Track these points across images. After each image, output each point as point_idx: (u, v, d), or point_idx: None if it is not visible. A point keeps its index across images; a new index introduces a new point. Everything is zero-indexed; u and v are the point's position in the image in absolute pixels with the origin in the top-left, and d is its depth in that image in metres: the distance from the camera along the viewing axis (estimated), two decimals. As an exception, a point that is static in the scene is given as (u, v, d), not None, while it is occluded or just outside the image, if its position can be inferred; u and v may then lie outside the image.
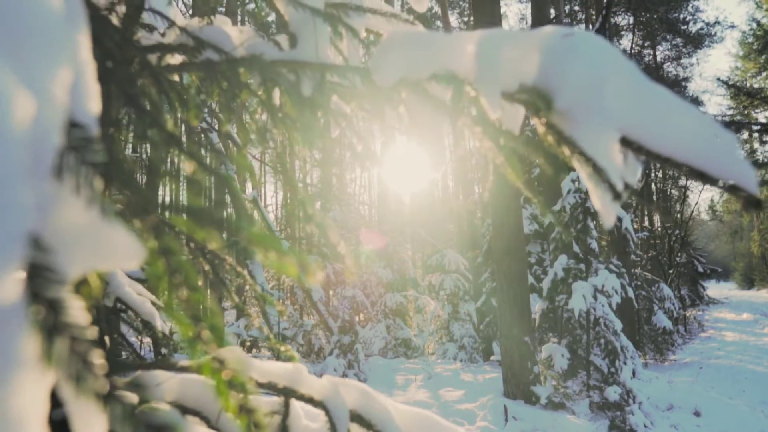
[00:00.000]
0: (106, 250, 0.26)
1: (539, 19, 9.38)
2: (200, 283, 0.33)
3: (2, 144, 0.17)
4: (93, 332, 0.24)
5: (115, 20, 0.64)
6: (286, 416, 0.69)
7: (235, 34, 0.70)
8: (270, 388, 0.66)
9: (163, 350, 1.30)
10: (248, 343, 8.56)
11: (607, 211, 0.43)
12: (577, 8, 21.47)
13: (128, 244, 0.27)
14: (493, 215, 6.57)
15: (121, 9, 0.65)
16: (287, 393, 0.67)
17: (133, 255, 0.27)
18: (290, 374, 0.64)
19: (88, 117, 0.27)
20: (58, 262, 0.21)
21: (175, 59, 0.72)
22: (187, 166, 0.33)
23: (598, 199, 0.44)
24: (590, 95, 0.45)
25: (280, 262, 0.27)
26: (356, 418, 0.66)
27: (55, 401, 0.33)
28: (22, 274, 0.18)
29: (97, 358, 0.22)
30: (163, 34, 0.75)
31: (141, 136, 0.34)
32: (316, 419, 0.73)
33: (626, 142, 0.48)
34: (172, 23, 0.69)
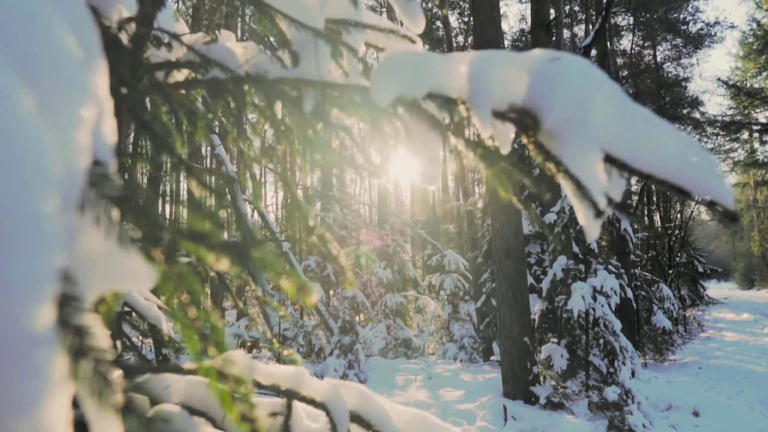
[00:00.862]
0: (123, 274, 0.29)
1: (539, 19, 9.39)
2: (207, 290, 0.36)
3: (42, 190, 0.19)
4: (111, 348, 0.26)
5: (124, 38, 0.67)
6: (289, 417, 0.72)
7: (239, 51, 0.72)
8: (273, 389, 0.69)
9: (164, 351, 1.33)
10: (249, 344, 8.59)
11: (591, 226, 0.46)
12: (577, 8, 21.48)
13: (142, 269, 0.30)
14: (492, 216, 6.59)
15: (131, 27, 0.67)
16: (290, 395, 0.69)
17: (146, 278, 0.30)
18: (293, 376, 0.67)
19: (106, 153, 0.30)
20: (82, 290, 0.23)
21: (182, 74, 0.75)
22: (195, 189, 0.36)
23: (582, 215, 0.46)
24: (575, 116, 0.47)
25: (284, 284, 0.29)
26: (356, 418, 0.68)
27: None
28: (53, 304, 0.20)
29: (115, 373, 0.24)
30: (169, 46, 0.77)
31: (154, 161, 0.37)
32: (317, 420, 0.75)
33: (610, 160, 0.50)
34: (178, 39, 0.71)
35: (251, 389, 0.37)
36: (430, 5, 21.32)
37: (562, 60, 0.49)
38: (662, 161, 0.50)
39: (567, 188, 0.48)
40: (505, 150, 0.56)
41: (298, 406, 0.75)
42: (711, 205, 0.50)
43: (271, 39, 0.66)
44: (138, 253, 0.29)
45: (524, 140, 0.51)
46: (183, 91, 0.62)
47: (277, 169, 0.69)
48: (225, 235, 0.35)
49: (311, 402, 0.71)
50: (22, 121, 0.20)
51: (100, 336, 0.24)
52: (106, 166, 0.29)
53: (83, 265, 0.26)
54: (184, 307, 0.29)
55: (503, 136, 0.55)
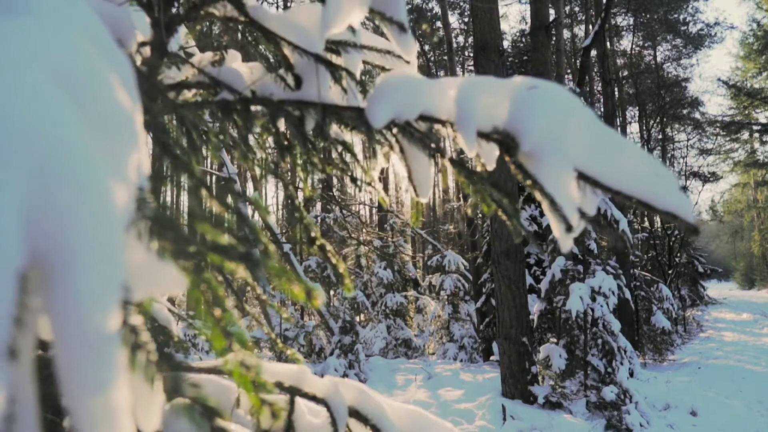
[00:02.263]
0: (160, 281, 0.35)
1: (538, 21, 9.44)
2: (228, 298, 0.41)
3: (117, 219, 0.25)
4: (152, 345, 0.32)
5: (138, 60, 0.73)
6: (292, 412, 0.77)
7: (245, 72, 0.78)
8: (277, 386, 0.74)
9: (167, 351, 1.39)
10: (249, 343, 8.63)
11: (563, 239, 0.51)
12: (577, 9, 21.51)
13: (174, 277, 0.36)
14: (491, 217, 6.65)
15: (145, 51, 0.73)
16: (293, 391, 0.75)
17: (178, 285, 0.36)
18: (295, 374, 0.73)
19: (143, 178, 0.36)
20: (134, 296, 0.29)
21: (190, 93, 0.81)
22: (215, 207, 0.41)
23: (556, 229, 0.52)
24: (551, 139, 0.53)
25: (293, 290, 0.35)
26: (354, 413, 0.74)
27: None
28: (120, 310, 0.26)
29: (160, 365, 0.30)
30: (178, 66, 0.83)
31: (176, 182, 0.42)
32: (318, 415, 0.81)
33: (583, 177, 0.56)
34: (189, 62, 0.77)
35: (267, 381, 0.43)
36: (431, 5, 21.36)
37: (539, 88, 0.55)
38: (630, 179, 0.55)
39: (543, 204, 0.53)
40: (490, 166, 0.62)
41: (300, 402, 0.81)
42: (673, 217, 0.56)
43: (270, 57, 0.72)
44: (171, 263, 0.35)
45: (506, 159, 0.57)
46: (196, 111, 0.68)
47: (284, 180, 0.74)
48: (227, 237, 0.41)
49: (313, 398, 0.77)
50: (97, 166, 0.25)
51: (146, 334, 0.30)
52: (144, 190, 0.35)
53: (130, 275, 0.32)
54: (210, 309, 0.35)
55: (488, 154, 0.61)
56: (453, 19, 20.96)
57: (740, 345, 12.67)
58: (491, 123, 0.58)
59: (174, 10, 0.69)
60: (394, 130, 0.65)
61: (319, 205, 13.85)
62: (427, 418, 0.86)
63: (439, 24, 20.31)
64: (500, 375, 6.45)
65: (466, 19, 22.45)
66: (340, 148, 0.80)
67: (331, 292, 11.84)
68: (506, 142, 0.56)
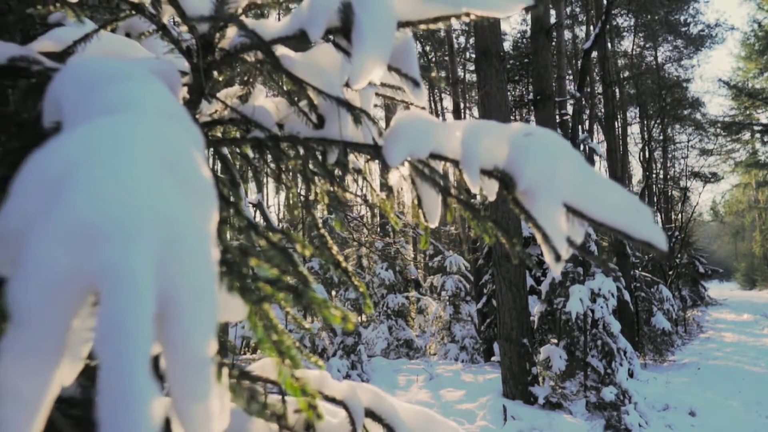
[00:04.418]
0: (229, 310, 0.44)
1: (539, 24, 9.52)
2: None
3: (212, 274, 0.34)
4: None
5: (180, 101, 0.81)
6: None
7: (271, 107, 0.87)
8: (302, 390, 0.83)
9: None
10: (254, 345, 8.74)
11: (554, 266, 0.60)
12: (578, 10, 21.56)
13: (239, 307, 0.44)
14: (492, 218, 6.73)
15: (184, 91, 0.82)
16: (312, 405, 0.84)
17: (241, 313, 0.45)
18: (318, 379, 0.82)
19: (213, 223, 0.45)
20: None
21: (219, 129, 0.89)
22: (261, 244, 0.50)
23: (547, 257, 0.60)
24: (543, 180, 0.62)
25: (333, 314, 0.44)
26: (369, 413, 0.83)
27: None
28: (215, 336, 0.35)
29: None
30: (210, 102, 0.92)
31: (227, 222, 0.50)
32: (336, 416, 0.90)
33: (572, 211, 0.65)
34: (221, 101, 0.86)
35: (313, 390, 0.52)
36: None
37: (534, 135, 0.64)
38: (612, 212, 0.64)
39: (537, 235, 0.62)
40: (491, 197, 0.71)
41: (320, 403, 0.89)
42: (648, 246, 0.64)
43: (292, 93, 0.81)
44: (237, 295, 0.44)
45: (505, 195, 0.66)
46: (233, 148, 0.77)
47: (313, 213, 0.83)
48: (276, 270, 0.50)
49: (332, 400, 0.86)
50: (199, 231, 0.34)
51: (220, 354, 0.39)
52: (214, 234, 0.44)
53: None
54: (267, 332, 0.43)
55: (489, 188, 0.70)
56: (455, 22, 20.97)
57: (740, 346, 12.73)
58: (493, 162, 0.66)
59: (211, 58, 0.78)
60: (407, 167, 0.73)
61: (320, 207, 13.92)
62: (433, 417, 0.95)
63: (440, 24, 20.31)
64: (501, 376, 6.54)
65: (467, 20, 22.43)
66: (355, 174, 0.88)
67: (333, 293, 11.93)
68: (505, 180, 0.65)
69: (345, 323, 0.45)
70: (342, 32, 0.67)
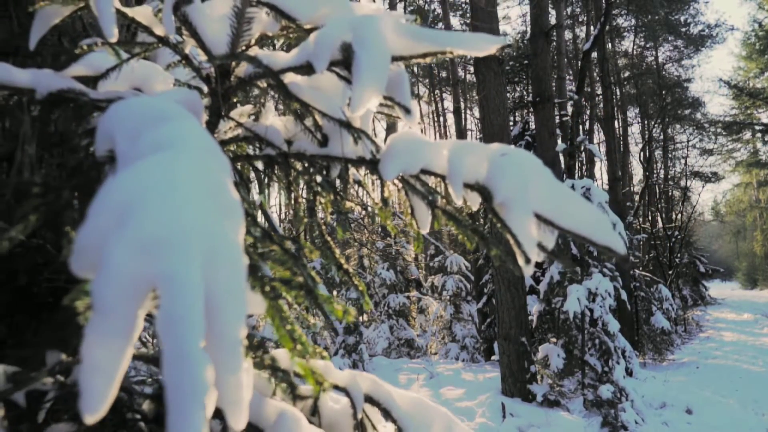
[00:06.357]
0: (252, 304, 0.54)
1: (538, 26, 9.61)
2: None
3: (243, 278, 0.44)
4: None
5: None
6: (318, 398, 0.96)
7: (280, 126, 0.97)
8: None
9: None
10: (256, 342, 8.83)
11: (524, 268, 0.70)
12: (578, 10, 21.63)
13: (259, 301, 0.55)
14: (491, 222, 6.83)
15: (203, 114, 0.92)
16: (319, 381, 0.94)
17: (261, 306, 0.55)
18: (323, 368, 0.92)
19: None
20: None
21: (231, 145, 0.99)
22: (276, 252, 0.60)
23: (519, 260, 0.71)
24: (516, 194, 0.72)
25: (336, 309, 0.54)
26: (368, 399, 0.93)
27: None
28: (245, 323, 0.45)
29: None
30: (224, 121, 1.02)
31: (248, 232, 0.61)
32: (338, 402, 1.00)
33: (542, 219, 0.75)
34: (236, 121, 0.96)
35: (320, 374, 0.62)
36: (432, 6, 21.51)
37: (509, 154, 0.74)
38: (577, 221, 0.74)
39: (510, 241, 0.72)
40: (474, 207, 0.81)
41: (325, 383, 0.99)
42: (608, 250, 0.74)
43: (298, 112, 0.91)
44: (258, 293, 0.54)
45: (485, 206, 0.76)
46: (245, 164, 0.87)
47: (319, 223, 0.94)
48: (288, 272, 0.60)
49: (336, 387, 0.96)
50: (234, 244, 0.44)
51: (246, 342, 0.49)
52: (242, 243, 0.54)
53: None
54: (282, 323, 0.53)
55: (473, 200, 0.80)
56: (455, 21, 21.09)
57: (739, 345, 12.81)
58: (474, 178, 0.77)
59: (227, 84, 0.89)
60: (400, 183, 0.84)
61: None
62: (426, 403, 1.05)
63: (441, 25, 20.48)
64: (500, 374, 6.64)
65: (467, 20, 22.61)
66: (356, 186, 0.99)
67: (335, 293, 12.03)
68: (484, 193, 0.75)
69: (346, 316, 0.54)
70: (343, 64, 0.77)
